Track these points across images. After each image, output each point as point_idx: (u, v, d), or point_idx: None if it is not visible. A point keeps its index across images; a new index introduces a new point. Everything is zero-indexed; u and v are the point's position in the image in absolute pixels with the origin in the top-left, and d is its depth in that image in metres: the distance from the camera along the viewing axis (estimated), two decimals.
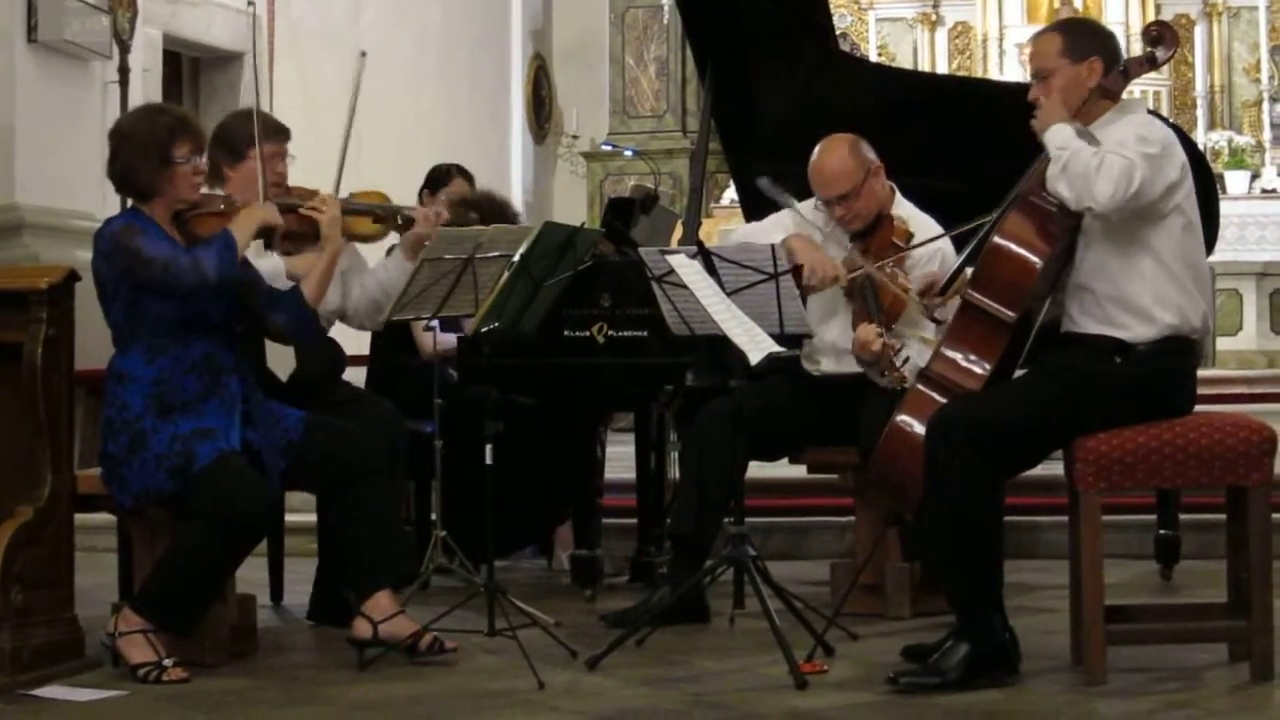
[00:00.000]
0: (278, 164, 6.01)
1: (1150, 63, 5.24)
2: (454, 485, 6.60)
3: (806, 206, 6.21)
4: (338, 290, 6.08)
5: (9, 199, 8.62)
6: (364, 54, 5.85)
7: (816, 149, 6.22)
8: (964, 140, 6.57)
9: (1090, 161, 4.91)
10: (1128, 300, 5.03)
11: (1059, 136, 5.02)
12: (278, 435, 5.47)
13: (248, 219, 5.46)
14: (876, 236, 6.13)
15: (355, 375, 6.70)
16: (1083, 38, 5.19)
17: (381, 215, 6.06)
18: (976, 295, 5.14)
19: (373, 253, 6.38)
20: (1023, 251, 5.07)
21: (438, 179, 7.57)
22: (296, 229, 5.66)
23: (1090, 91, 5.11)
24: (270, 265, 5.73)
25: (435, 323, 6.38)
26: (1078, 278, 5.11)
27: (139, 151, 5.37)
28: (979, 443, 4.93)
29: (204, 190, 5.56)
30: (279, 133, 6.09)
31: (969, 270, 5.31)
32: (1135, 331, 5.03)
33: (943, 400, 5.12)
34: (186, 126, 5.44)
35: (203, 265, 5.28)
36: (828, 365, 6.26)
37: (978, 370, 5.14)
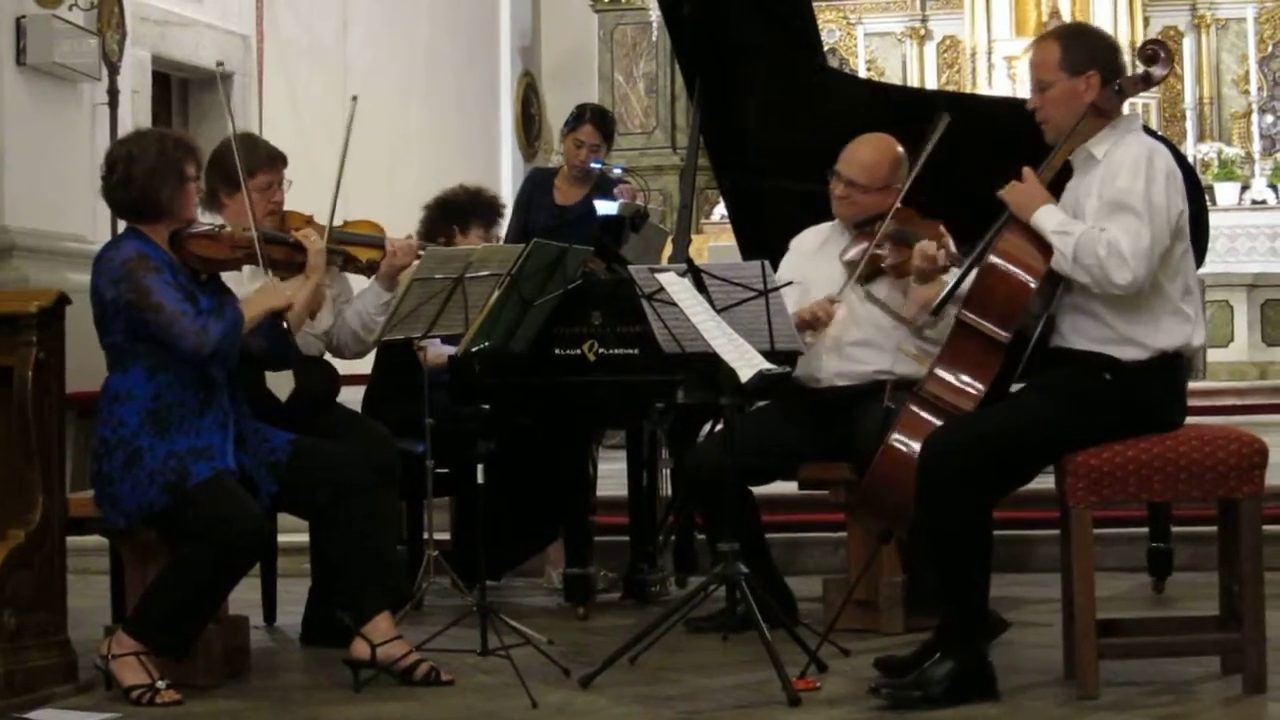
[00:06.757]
0: (275, 192, 6.00)
1: (1146, 81, 5.21)
2: (459, 504, 6.59)
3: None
4: (330, 314, 6.07)
5: None
6: (355, 98, 5.82)
7: (866, 137, 6.32)
8: (957, 155, 6.56)
9: (1098, 251, 4.88)
10: (1126, 326, 5.00)
11: (1051, 221, 5.00)
12: (265, 457, 5.47)
13: (260, 303, 5.42)
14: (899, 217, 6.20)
15: (353, 394, 6.70)
16: (1082, 50, 5.13)
17: (366, 244, 6.04)
18: (971, 315, 5.11)
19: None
20: (1017, 271, 5.04)
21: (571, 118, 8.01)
22: (283, 259, 5.64)
23: (1086, 106, 5.08)
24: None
25: (426, 341, 6.39)
26: (1073, 296, 5.08)
27: (159, 173, 5.35)
28: (970, 468, 4.92)
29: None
30: (276, 160, 6.06)
31: (964, 287, 5.28)
32: (1129, 352, 5.01)
33: (936, 421, 5.09)
34: (192, 147, 5.46)
35: (206, 336, 5.25)
36: (830, 362, 6.23)
37: (971, 391, 5.11)
